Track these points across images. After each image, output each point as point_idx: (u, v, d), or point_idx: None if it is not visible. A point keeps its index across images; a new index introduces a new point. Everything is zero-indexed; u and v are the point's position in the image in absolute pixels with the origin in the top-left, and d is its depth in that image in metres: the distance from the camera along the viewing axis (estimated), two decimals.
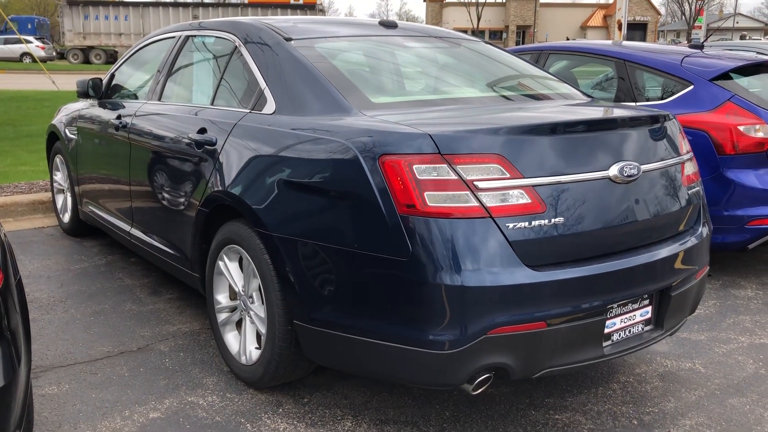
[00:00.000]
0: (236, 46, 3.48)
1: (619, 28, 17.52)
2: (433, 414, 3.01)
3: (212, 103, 3.55)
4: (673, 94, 4.96)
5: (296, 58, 3.13)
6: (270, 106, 3.08)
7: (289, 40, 3.27)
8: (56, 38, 46.58)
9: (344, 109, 2.83)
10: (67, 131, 5.25)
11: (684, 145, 3.11)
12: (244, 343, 3.16)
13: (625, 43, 5.99)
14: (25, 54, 36.49)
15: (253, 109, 3.19)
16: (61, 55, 41.41)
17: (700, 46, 5.60)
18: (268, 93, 3.13)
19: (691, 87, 4.89)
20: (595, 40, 6.83)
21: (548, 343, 2.54)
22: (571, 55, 5.69)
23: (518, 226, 2.47)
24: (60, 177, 5.61)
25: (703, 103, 4.75)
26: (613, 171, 2.68)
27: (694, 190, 3.08)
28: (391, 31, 3.65)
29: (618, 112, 3.10)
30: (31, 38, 37.90)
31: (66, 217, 5.55)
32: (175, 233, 3.68)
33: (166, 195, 3.73)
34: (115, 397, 3.13)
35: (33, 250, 5.25)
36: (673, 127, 3.07)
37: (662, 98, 4.99)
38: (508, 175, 2.48)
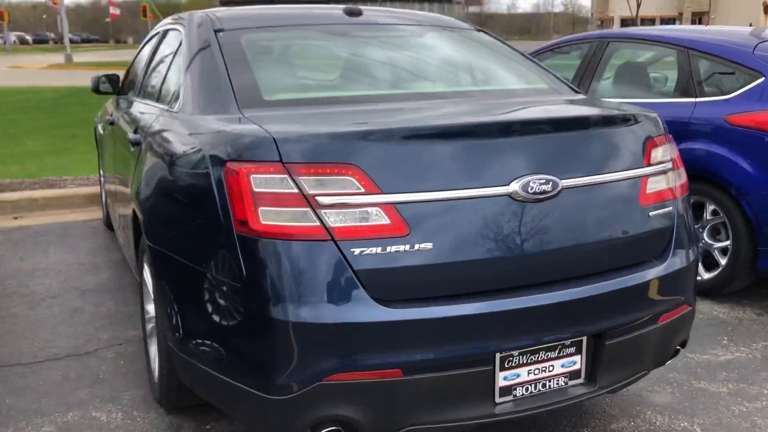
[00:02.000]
0: (181, 40, 3.25)
1: (765, 12, 15.15)
2: None
3: (157, 100, 3.35)
4: (740, 87, 4.12)
5: (211, 50, 2.83)
6: (179, 104, 2.82)
7: (218, 31, 2.98)
8: None
9: (226, 107, 2.50)
10: (99, 126, 5.33)
11: (656, 155, 2.47)
12: (155, 360, 2.94)
13: (693, 27, 5.12)
14: None
15: (169, 107, 2.95)
16: None
17: None
18: (182, 89, 2.86)
19: (762, 79, 4.04)
20: (665, 26, 5.94)
21: (407, 395, 2.08)
22: (632, 43, 4.93)
23: (369, 251, 2.02)
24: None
25: None
26: (514, 187, 2.14)
27: (660, 211, 2.44)
28: (351, 19, 3.25)
29: (545, 113, 2.53)
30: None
31: (103, 211, 5.66)
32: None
33: (119, 193, 3.61)
34: (25, 405, 3.03)
35: (65, 243, 5.38)
36: (635, 132, 2.45)
37: (725, 93, 4.17)
38: (363, 190, 2.04)
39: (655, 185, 2.44)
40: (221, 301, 2.17)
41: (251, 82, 2.63)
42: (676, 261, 2.46)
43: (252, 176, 2.06)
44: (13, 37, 56.08)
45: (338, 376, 2.02)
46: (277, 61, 2.95)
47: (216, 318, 2.21)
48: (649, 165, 2.44)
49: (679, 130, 4.28)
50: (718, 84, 4.31)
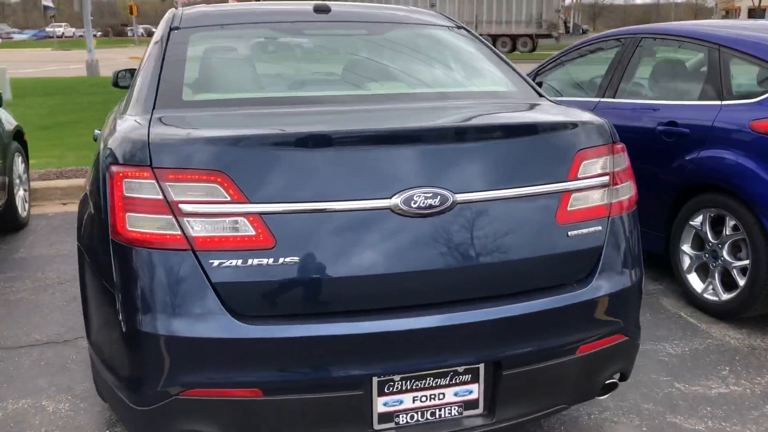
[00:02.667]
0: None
1: None
2: None
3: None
4: None
5: (159, 48, 2.81)
6: (124, 103, 2.82)
7: (174, 29, 2.96)
8: None
9: (146, 108, 2.46)
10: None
11: (586, 168, 2.24)
12: None
13: (729, 22, 4.64)
14: None
15: (119, 106, 2.96)
16: None
17: None
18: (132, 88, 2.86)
19: None
20: (700, 21, 5.43)
21: (268, 416, 1.98)
22: (664, 39, 4.54)
23: (229, 263, 1.94)
24: None
25: None
26: (396, 200, 1.99)
27: (585, 230, 2.21)
28: (318, 16, 3.14)
29: (455, 120, 2.32)
30: None
31: None
32: None
33: None
34: None
35: None
36: (560, 143, 2.22)
37: (754, 96, 3.76)
38: (229, 198, 1.95)
39: (581, 202, 2.21)
40: (104, 306, 2.15)
41: (177, 82, 2.58)
42: (602, 286, 2.22)
43: (124, 180, 2.01)
44: (140, 29, 59.10)
45: (195, 392, 1.96)
46: (219, 60, 2.89)
47: (101, 322, 2.19)
48: (575, 179, 2.21)
49: (701, 135, 3.92)
50: (749, 86, 3.89)
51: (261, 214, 1.95)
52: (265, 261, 1.94)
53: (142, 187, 1.98)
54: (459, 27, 3.27)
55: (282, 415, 1.99)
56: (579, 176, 2.22)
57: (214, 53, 2.90)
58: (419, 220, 2.01)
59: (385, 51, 3.06)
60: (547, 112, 2.47)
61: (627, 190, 2.35)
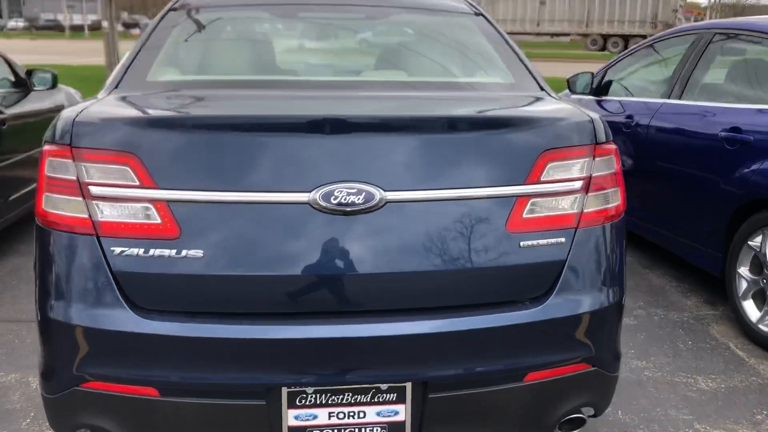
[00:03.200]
0: None
1: None
2: None
3: None
4: None
5: (148, 29, 2.75)
6: None
7: (172, 10, 2.89)
8: None
9: (111, 87, 2.39)
10: None
11: (552, 171, 1.95)
12: None
13: None
14: None
15: None
16: None
17: None
18: None
19: None
20: None
21: (166, 418, 1.85)
22: (737, 35, 4.04)
23: (131, 252, 1.82)
24: None
25: None
26: (315, 195, 1.80)
27: (542, 241, 1.92)
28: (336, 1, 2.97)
29: (401, 110, 2.08)
30: None
31: None
32: None
33: None
34: None
35: None
36: (521, 141, 1.95)
37: None
38: (137, 183, 1.83)
39: (541, 209, 1.93)
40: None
41: (148, 63, 2.49)
42: (560, 307, 1.93)
43: (47, 159, 1.93)
44: None
45: (92, 384, 1.85)
46: (201, 41, 2.78)
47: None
48: (536, 183, 1.93)
49: (765, 142, 3.45)
50: None
51: (168, 201, 1.81)
52: (167, 252, 1.80)
53: (60, 166, 1.89)
54: (477, 14, 3.01)
55: (180, 419, 1.85)
56: (541, 180, 1.94)
57: (199, 34, 2.80)
58: (341, 218, 1.81)
59: (380, 36, 2.86)
60: (521, 108, 2.19)
61: (608, 199, 2.04)
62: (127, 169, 1.83)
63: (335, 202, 1.79)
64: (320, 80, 2.48)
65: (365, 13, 2.90)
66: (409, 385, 1.88)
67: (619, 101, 4.86)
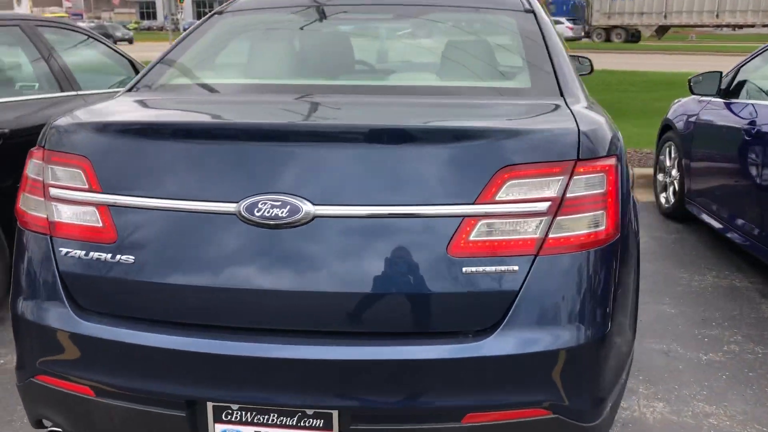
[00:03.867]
0: None
1: None
2: None
3: None
4: None
5: (187, 31, 2.84)
6: None
7: (217, 13, 2.96)
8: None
9: (126, 89, 2.49)
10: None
11: (510, 190, 1.73)
12: None
13: None
14: None
15: None
16: (587, 35, 42.72)
17: None
18: None
19: None
20: None
21: (102, 418, 1.88)
22: None
23: (75, 254, 1.87)
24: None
25: None
26: (240, 206, 1.74)
27: (489, 268, 1.71)
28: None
29: (364, 119, 1.96)
30: (562, 19, 40.09)
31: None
32: None
33: None
34: None
35: None
36: (475, 156, 1.75)
37: None
38: (86, 186, 1.88)
39: (492, 231, 1.72)
40: None
41: (170, 65, 2.56)
42: (510, 343, 1.71)
43: (29, 160, 2.04)
44: None
45: (44, 378, 1.93)
46: (227, 44, 2.79)
47: None
48: (489, 202, 1.73)
49: None
50: None
51: (110, 206, 1.84)
52: (105, 256, 1.83)
53: (35, 167, 1.99)
54: (528, 11, 2.77)
55: (113, 422, 1.87)
56: (496, 199, 1.73)
57: (228, 37, 2.82)
58: (267, 231, 1.73)
59: (408, 38, 2.72)
60: (493, 118, 1.97)
61: (589, 223, 1.78)
62: (80, 172, 1.88)
63: (258, 214, 1.72)
64: (324, 85, 2.44)
65: (396, 13, 2.77)
66: (335, 413, 1.76)
67: (753, 104, 4.28)
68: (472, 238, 1.72)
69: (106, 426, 1.89)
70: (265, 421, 1.81)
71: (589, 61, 4.79)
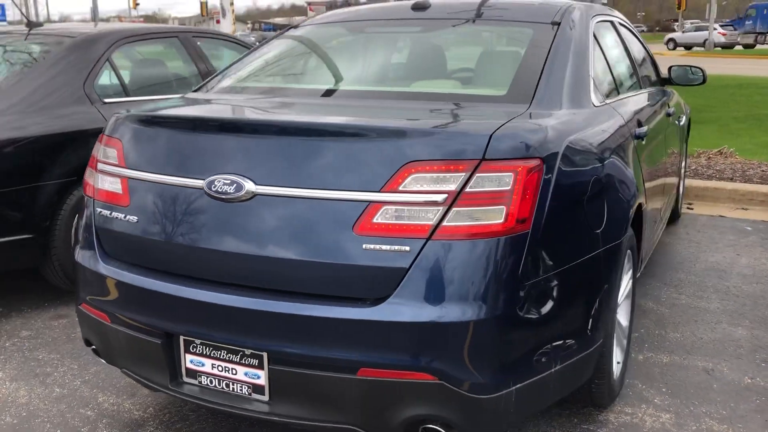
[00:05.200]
0: None
1: None
2: None
3: None
4: None
5: (262, 42, 3.40)
6: None
7: (293, 27, 3.49)
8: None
9: (195, 89, 3.10)
10: None
11: (413, 182, 2.01)
12: None
13: None
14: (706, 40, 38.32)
15: None
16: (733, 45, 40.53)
17: None
18: None
19: None
20: None
21: (113, 338, 2.45)
22: None
23: (104, 212, 2.46)
24: None
25: None
26: (205, 182, 2.21)
27: (385, 246, 2.00)
28: (416, 13, 3.24)
29: (307, 117, 2.35)
30: (716, 25, 38.80)
31: None
32: None
33: None
34: None
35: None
36: (385, 152, 2.05)
37: None
38: (116, 162, 2.47)
39: (393, 216, 2.01)
40: None
41: (231, 70, 3.14)
42: (397, 312, 1.99)
43: (96, 144, 2.68)
44: (688, 24, 56.89)
45: (84, 305, 2.54)
46: (276, 55, 3.28)
47: None
48: (393, 191, 2.02)
49: None
50: None
51: (129, 178, 2.40)
52: (120, 215, 2.40)
53: (95, 147, 2.63)
54: (555, 23, 2.93)
55: (121, 343, 2.43)
56: (399, 189, 2.02)
57: (283, 49, 3.31)
58: (221, 203, 2.19)
59: (429, 49, 3.05)
60: (422, 120, 2.26)
61: (486, 216, 2.00)
62: (114, 150, 2.47)
63: (214, 189, 2.17)
64: (323, 89, 2.88)
65: (426, 26, 3.09)
66: (265, 355, 2.16)
67: None
68: (375, 220, 2.03)
69: (116, 347, 2.46)
70: (218, 356, 2.25)
71: (702, 71, 4.67)
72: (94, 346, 2.60)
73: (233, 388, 2.25)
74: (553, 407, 2.91)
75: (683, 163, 5.45)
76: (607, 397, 2.80)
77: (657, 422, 2.85)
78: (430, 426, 2.10)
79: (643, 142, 3.14)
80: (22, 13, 5.31)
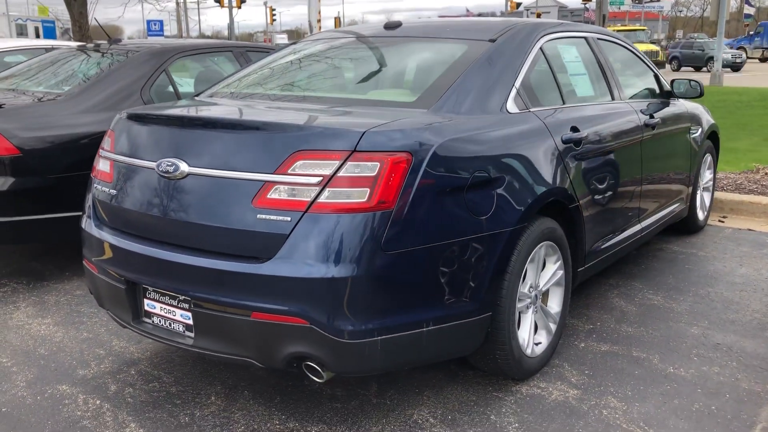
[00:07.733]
0: None
1: None
2: None
3: None
4: None
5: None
6: None
7: (293, 42, 4.12)
8: None
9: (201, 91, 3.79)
10: None
11: (299, 167, 2.55)
12: None
13: None
14: None
15: None
16: None
17: None
18: None
19: None
20: None
21: (99, 285, 3.14)
22: None
23: (98, 187, 3.17)
24: None
25: None
26: (156, 164, 2.85)
27: (273, 217, 2.54)
28: (387, 32, 3.77)
29: (232, 114, 2.94)
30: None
31: None
32: None
33: None
34: None
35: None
36: (279, 143, 2.61)
37: None
38: (109, 149, 3.17)
39: (280, 193, 2.55)
40: None
41: (225, 79, 3.80)
42: (278, 269, 2.53)
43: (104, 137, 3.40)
44: None
45: (85, 261, 3.26)
46: (259, 66, 3.89)
47: None
48: (282, 174, 2.56)
49: None
50: None
51: (114, 161, 3.09)
52: (106, 189, 3.09)
53: (103, 138, 3.36)
54: (491, 40, 3.36)
55: (104, 290, 3.11)
56: (288, 172, 2.56)
57: (266, 62, 3.93)
58: (166, 180, 2.82)
59: (377, 61, 3.57)
60: (320, 118, 2.82)
61: (352, 196, 2.50)
62: (109, 139, 3.18)
63: (161, 169, 2.81)
64: (276, 94, 3.43)
65: (386, 43, 3.62)
66: (191, 300, 2.76)
67: None
68: (269, 196, 2.58)
69: (102, 293, 3.15)
70: (164, 301, 2.88)
71: (699, 84, 4.87)
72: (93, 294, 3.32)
73: (173, 327, 2.87)
74: (475, 376, 3.32)
75: (701, 175, 5.56)
76: (516, 371, 3.17)
77: (562, 396, 3.19)
78: (309, 363, 2.61)
79: (578, 147, 3.47)
80: (105, 32, 6.26)
